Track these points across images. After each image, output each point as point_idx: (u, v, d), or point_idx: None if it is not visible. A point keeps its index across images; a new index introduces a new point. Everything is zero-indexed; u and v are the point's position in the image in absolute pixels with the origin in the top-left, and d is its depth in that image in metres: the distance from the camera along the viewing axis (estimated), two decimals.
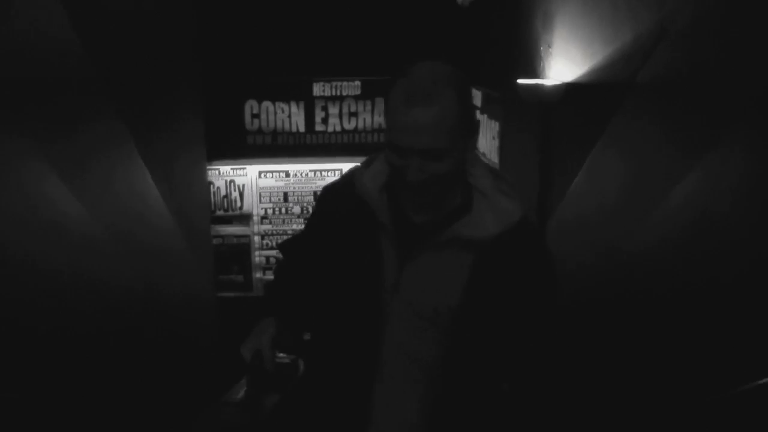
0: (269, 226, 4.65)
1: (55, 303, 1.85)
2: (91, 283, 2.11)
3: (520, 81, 2.55)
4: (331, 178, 4.48)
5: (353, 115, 4.37)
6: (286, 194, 4.59)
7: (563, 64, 2.41)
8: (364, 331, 1.42)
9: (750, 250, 1.43)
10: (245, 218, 4.65)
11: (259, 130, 4.46)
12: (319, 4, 4.26)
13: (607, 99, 2.06)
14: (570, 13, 2.36)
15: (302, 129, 4.43)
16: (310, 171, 4.54)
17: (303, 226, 1.68)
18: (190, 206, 3.64)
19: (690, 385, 1.61)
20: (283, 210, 4.62)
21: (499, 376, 1.53)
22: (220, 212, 4.61)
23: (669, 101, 1.72)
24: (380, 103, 4.33)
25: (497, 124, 3.21)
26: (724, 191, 1.51)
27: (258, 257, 4.68)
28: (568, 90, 2.36)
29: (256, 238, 4.67)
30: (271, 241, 4.66)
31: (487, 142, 3.41)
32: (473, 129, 1.38)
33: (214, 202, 4.60)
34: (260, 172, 4.59)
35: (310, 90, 4.37)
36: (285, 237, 4.58)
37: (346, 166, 4.40)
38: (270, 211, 4.63)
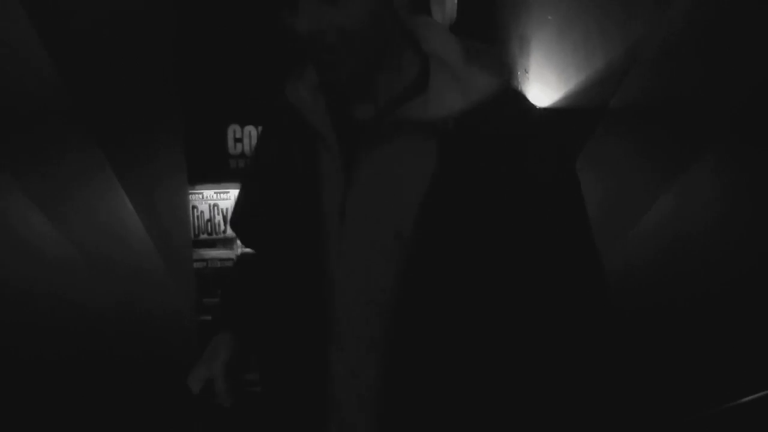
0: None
1: (34, 330, 1.84)
2: (70, 309, 2.10)
3: None
4: None
5: None
6: None
7: (540, 89, 2.44)
8: (307, 283, 1.06)
9: (721, 270, 1.45)
10: (229, 242, 4.65)
11: (242, 154, 4.48)
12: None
13: (581, 123, 2.08)
14: (545, 39, 2.40)
15: None
16: None
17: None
18: (171, 231, 3.63)
19: (662, 404, 1.62)
20: None
21: (497, 340, 1.01)
22: (203, 236, 4.61)
23: (640, 126, 1.75)
24: None
25: None
26: (695, 213, 1.53)
27: None
28: (545, 115, 2.38)
29: None
30: None
31: None
32: None
33: (198, 225, 4.59)
34: None
35: None
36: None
37: None
38: None
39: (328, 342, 1.05)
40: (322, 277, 1.04)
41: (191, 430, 2.90)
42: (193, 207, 4.53)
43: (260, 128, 4.47)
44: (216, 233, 4.65)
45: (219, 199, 4.58)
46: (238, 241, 4.64)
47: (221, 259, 4.77)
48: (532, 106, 1.06)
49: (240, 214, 1.27)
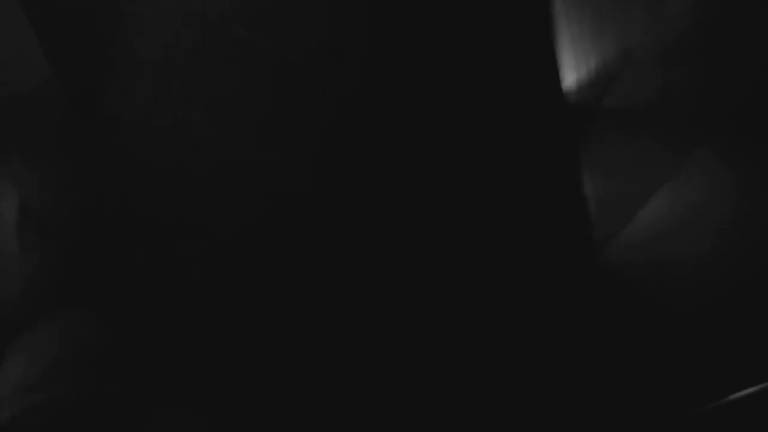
0: None
1: None
2: None
3: None
4: None
5: None
6: None
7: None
8: None
9: (713, 273, 1.46)
10: None
11: None
12: None
13: (575, 122, 2.09)
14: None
15: None
16: None
17: None
18: None
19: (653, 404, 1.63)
20: None
21: None
22: None
23: (632, 127, 1.75)
24: None
25: None
26: (687, 216, 1.54)
27: None
28: None
29: None
30: None
31: None
32: None
33: None
34: None
35: None
36: None
37: None
38: None
39: None
40: None
41: None
42: None
43: None
44: None
45: None
46: None
47: None
48: None
49: None
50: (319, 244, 0.99)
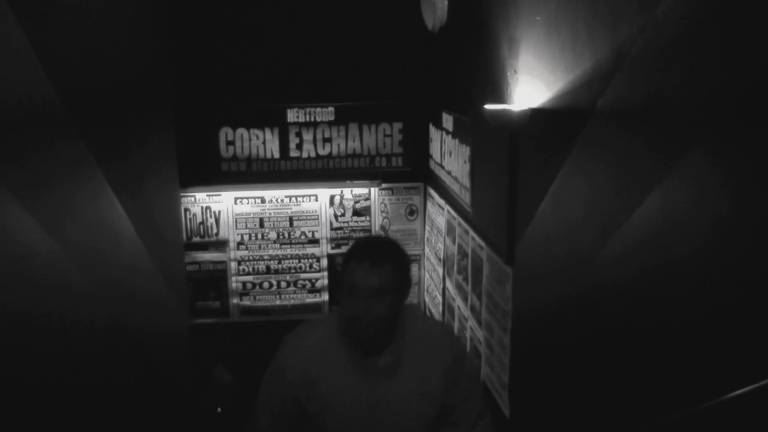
0: (245, 252, 4.65)
1: (23, 340, 1.84)
2: (61, 315, 2.10)
3: (487, 106, 2.60)
4: (307, 204, 4.52)
5: (327, 140, 4.40)
6: (261, 220, 4.61)
7: (528, 90, 2.46)
8: None
9: (706, 273, 1.46)
10: (221, 244, 4.65)
11: (234, 157, 4.48)
12: (293, 31, 4.31)
13: (569, 124, 2.10)
14: (533, 39, 2.41)
15: (277, 155, 4.45)
16: (286, 196, 4.56)
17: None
18: (163, 234, 3.63)
19: (656, 403, 1.63)
20: (259, 236, 4.62)
21: None
22: (196, 239, 4.61)
23: (627, 127, 1.76)
24: (353, 128, 4.36)
25: (468, 148, 3.25)
26: (682, 215, 1.55)
27: (235, 283, 4.67)
28: (534, 115, 2.40)
29: (233, 264, 4.67)
30: (247, 267, 4.65)
31: (459, 166, 3.45)
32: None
33: (190, 228, 4.60)
34: (236, 199, 4.61)
35: (284, 116, 4.40)
36: (261, 263, 4.60)
37: (321, 192, 4.45)
38: (246, 237, 4.64)
39: None
40: None
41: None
42: (186, 210, 4.54)
43: (254, 131, 4.49)
44: (209, 236, 4.64)
45: (211, 202, 4.58)
46: (231, 244, 4.65)
47: (213, 262, 4.77)
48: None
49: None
50: None
